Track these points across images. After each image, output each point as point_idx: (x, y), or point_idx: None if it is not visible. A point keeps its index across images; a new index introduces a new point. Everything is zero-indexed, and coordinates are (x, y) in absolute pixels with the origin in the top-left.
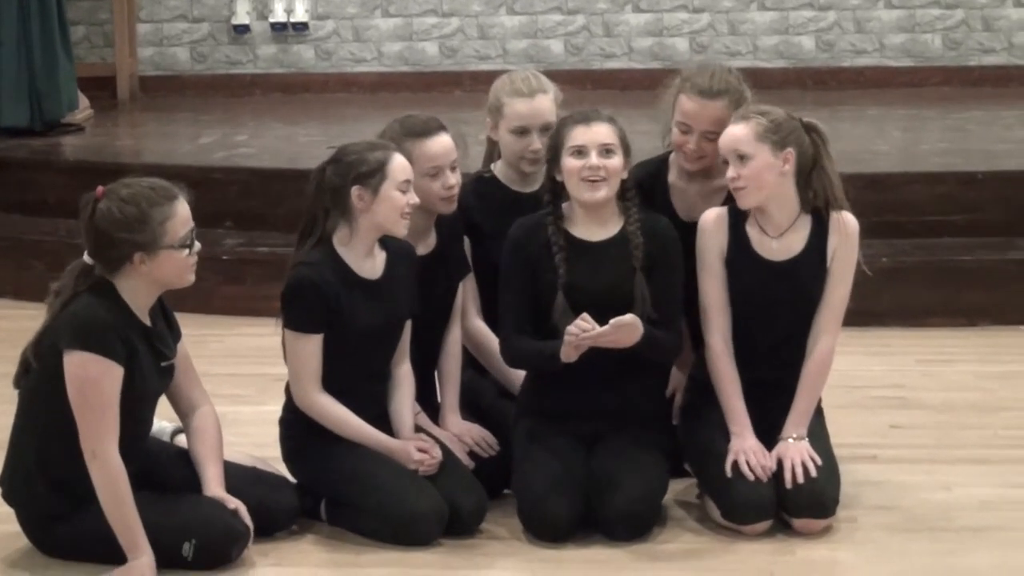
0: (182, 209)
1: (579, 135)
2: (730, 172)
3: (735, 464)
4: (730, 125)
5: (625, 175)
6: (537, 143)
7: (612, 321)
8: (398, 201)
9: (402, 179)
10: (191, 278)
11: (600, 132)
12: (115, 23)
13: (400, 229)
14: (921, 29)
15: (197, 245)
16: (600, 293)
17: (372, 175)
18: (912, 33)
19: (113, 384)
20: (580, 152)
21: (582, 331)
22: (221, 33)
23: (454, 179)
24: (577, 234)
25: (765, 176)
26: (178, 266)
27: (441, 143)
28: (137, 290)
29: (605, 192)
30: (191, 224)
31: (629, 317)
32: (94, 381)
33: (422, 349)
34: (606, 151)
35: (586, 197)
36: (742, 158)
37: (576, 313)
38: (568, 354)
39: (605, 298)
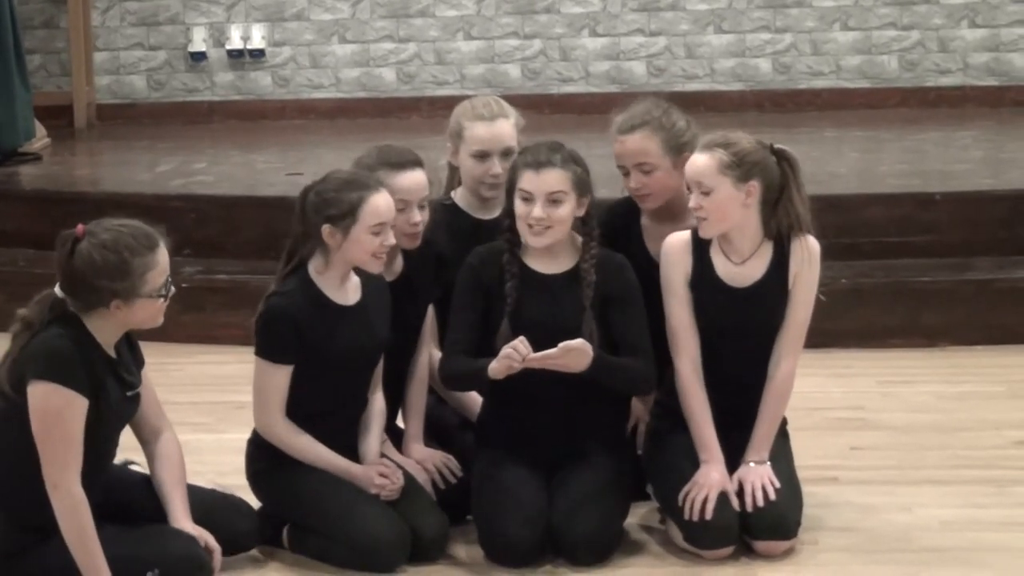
0: (162, 258)
1: (527, 181)
2: (692, 201)
3: (688, 496)
4: (695, 154)
5: (581, 213)
6: (497, 168)
7: (561, 344)
8: (368, 244)
9: (374, 223)
10: (161, 320)
11: (549, 180)
12: (71, 52)
13: (373, 267)
14: (877, 51)
15: (172, 290)
16: (547, 326)
17: (343, 217)
18: (868, 55)
19: (76, 415)
20: (527, 199)
21: (519, 353)
22: (178, 60)
23: (420, 216)
24: (532, 265)
25: (727, 208)
26: (152, 312)
27: (413, 178)
28: (105, 328)
29: (548, 240)
30: (168, 271)
31: (578, 341)
32: (57, 412)
33: (389, 375)
34: (552, 201)
35: (530, 243)
36: (703, 191)
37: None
38: (496, 370)
39: (552, 331)
